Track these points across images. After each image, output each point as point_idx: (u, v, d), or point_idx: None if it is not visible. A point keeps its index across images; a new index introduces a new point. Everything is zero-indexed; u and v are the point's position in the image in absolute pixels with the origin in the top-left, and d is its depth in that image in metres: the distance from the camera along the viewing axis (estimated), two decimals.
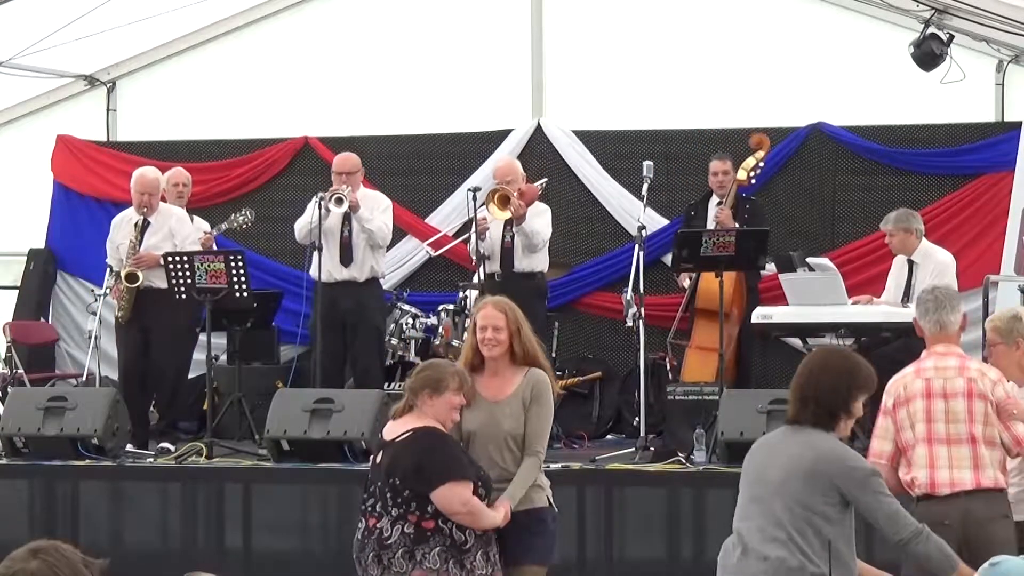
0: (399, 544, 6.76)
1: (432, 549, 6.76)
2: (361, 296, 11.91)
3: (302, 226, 11.86)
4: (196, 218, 12.62)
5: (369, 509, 6.90)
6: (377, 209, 11.98)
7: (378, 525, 6.83)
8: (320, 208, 11.59)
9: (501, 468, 7.05)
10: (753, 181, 12.36)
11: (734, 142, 12.77)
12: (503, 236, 11.78)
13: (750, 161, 12.29)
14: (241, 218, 12.51)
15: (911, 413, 7.05)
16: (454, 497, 6.76)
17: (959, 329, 7.19)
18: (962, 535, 6.82)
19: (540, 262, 11.92)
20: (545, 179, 12.36)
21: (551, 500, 7.17)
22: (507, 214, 11.63)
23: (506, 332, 7.06)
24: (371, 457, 7.19)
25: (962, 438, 7.02)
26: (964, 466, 7.00)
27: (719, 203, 12.29)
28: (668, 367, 12.02)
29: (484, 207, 11.76)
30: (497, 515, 6.88)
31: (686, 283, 12.13)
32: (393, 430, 6.98)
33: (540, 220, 11.80)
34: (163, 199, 12.21)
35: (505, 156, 12.89)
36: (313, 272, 11.74)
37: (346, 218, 11.85)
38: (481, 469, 6.97)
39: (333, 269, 11.85)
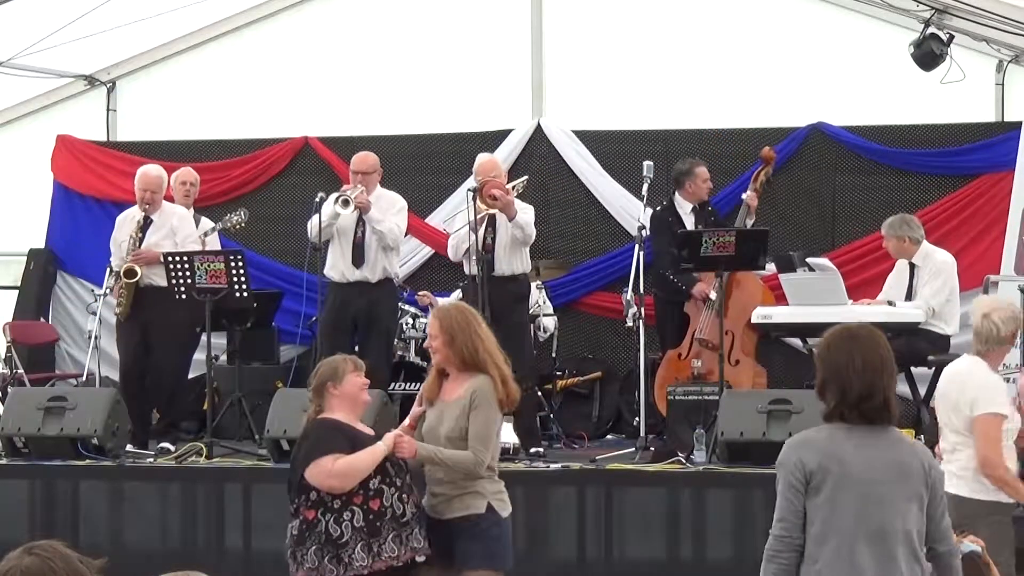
0: (288, 545, 6.98)
1: (308, 549, 6.88)
2: (373, 297, 11.72)
3: (314, 224, 11.70)
4: (203, 219, 12.60)
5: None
6: (391, 210, 11.80)
7: (289, 524, 7.03)
8: (320, 210, 11.52)
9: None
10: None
11: (734, 142, 12.76)
12: (484, 238, 11.38)
13: (761, 176, 12.31)
14: (236, 218, 12.46)
15: None
16: (320, 473, 6.86)
17: None
18: None
19: (521, 264, 11.55)
20: (526, 176, 12.28)
21: (494, 506, 7.05)
22: (496, 208, 11.50)
23: (440, 340, 7.06)
24: None
25: None
26: None
27: (692, 209, 12.22)
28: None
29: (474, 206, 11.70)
30: (377, 446, 6.90)
31: (712, 293, 11.80)
32: None
33: (526, 215, 11.49)
34: (170, 198, 12.18)
35: (484, 154, 12.46)
36: (326, 272, 11.67)
37: (360, 219, 11.76)
38: (370, 438, 7.01)
39: (345, 269, 11.73)
